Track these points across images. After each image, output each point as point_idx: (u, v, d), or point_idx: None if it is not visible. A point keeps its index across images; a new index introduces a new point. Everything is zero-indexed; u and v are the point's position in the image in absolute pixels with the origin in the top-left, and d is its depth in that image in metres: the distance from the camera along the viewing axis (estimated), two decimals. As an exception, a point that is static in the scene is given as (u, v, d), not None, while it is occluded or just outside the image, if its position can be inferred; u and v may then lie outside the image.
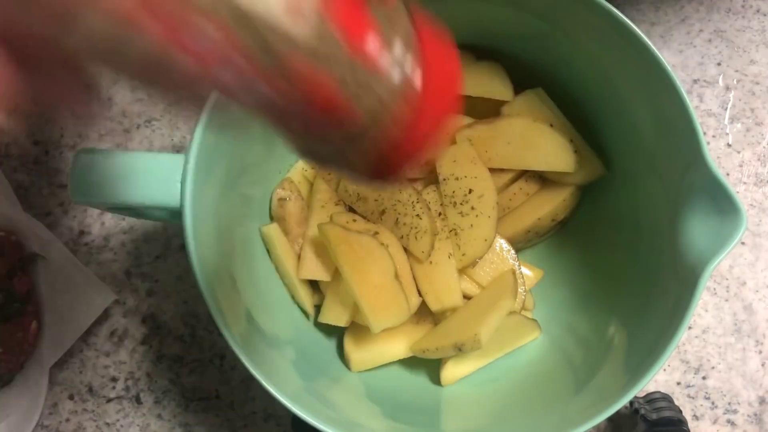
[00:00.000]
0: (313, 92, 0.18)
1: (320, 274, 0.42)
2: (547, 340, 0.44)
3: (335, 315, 0.42)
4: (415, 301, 0.42)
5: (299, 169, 0.45)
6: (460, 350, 0.40)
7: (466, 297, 0.43)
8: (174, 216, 0.35)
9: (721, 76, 0.50)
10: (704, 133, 0.42)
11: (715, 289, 0.47)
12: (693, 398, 0.46)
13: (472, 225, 0.42)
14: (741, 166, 0.49)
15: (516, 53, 0.43)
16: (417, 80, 0.19)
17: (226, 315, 0.35)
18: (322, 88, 0.18)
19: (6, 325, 0.45)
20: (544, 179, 0.44)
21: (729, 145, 0.49)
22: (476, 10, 0.39)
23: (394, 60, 0.19)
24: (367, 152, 0.20)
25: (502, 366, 0.43)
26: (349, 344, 0.43)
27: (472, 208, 0.42)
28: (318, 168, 0.21)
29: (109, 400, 0.47)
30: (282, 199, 0.44)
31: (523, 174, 0.44)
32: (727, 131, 0.49)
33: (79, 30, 0.16)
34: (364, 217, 0.43)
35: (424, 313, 0.43)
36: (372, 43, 0.18)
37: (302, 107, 0.19)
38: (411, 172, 0.22)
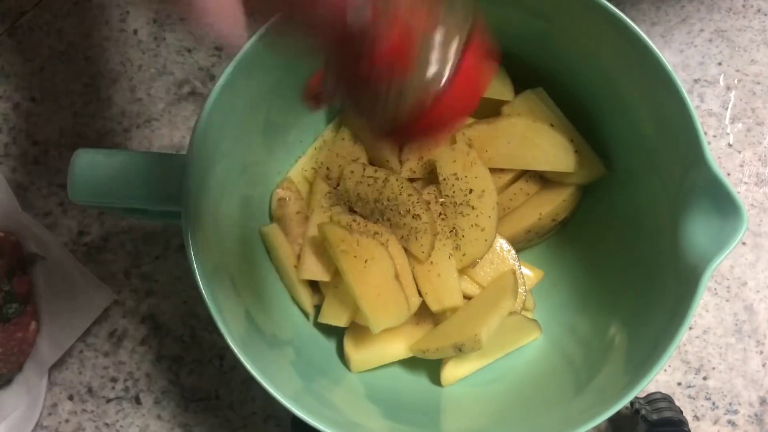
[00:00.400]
0: (399, 35, 0.21)
1: (320, 274, 0.42)
2: (547, 340, 0.44)
3: (335, 315, 0.42)
4: (415, 301, 0.42)
5: (299, 169, 0.45)
6: (460, 351, 0.40)
7: (466, 297, 0.43)
8: (174, 216, 0.35)
9: (722, 76, 0.49)
10: (705, 133, 0.42)
11: (715, 289, 0.47)
12: (694, 399, 0.46)
13: (472, 225, 0.42)
14: (742, 166, 0.49)
15: (516, 53, 0.42)
16: (454, 71, 0.22)
17: (226, 315, 0.35)
18: (405, 36, 0.22)
19: (6, 325, 0.44)
20: (544, 179, 0.44)
21: (730, 145, 0.49)
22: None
23: (446, 47, 0.22)
24: (398, 110, 0.23)
25: (503, 366, 0.43)
26: (349, 344, 0.43)
27: (473, 208, 0.42)
28: (347, 110, 0.26)
29: (109, 401, 0.47)
30: (282, 199, 0.44)
31: (523, 174, 0.44)
32: (728, 131, 0.49)
33: None
34: (364, 217, 0.43)
35: (424, 314, 0.43)
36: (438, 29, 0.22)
37: (380, 44, 0.22)
38: (421, 145, 0.27)
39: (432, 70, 0.22)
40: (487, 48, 0.24)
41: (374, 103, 0.23)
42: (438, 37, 0.22)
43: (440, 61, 0.22)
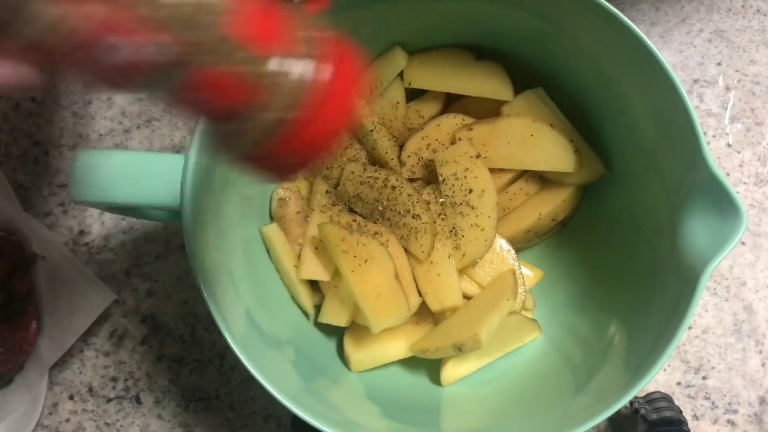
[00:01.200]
0: (212, 84, 0.21)
1: (320, 274, 0.42)
2: (547, 340, 0.44)
3: (335, 315, 0.42)
4: (415, 301, 0.42)
5: (299, 169, 0.45)
6: (460, 350, 0.40)
7: (466, 297, 0.43)
8: (174, 216, 0.35)
9: (721, 76, 0.50)
10: (704, 133, 0.42)
11: (715, 289, 0.47)
12: (693, 398, 0.46)
13: (472, 225, 0.42)
14: (741, 166, 0.49)
15: (516, 53, 0.43)
16: (316, 83, 0.22)
17: (226, 315, 0.35)
18: (223, 80, 0.21)
19: (6, 325, 0.45)
20: (544, 179, 0.44)
21: (729, 145, 0.49)
22: (476, 10, 0.39)
23: (295, 62, 0.21)
24: (262, 138, 0.22)
25: (502, 366, 0.43)
26: (349, 344, 0.43)
27: (472, 208, 0.42)
28: (217, 150, 0.25)
29: (109, 400, 0.47)
30: (282, 199, 0.44)
31: (523, 174, 0.44)
32: (728, 131, 0.49)
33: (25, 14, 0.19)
34: (363, 217, 0.43)
35: (424, 313, 0.43)
36: (275, 49, 0.21)
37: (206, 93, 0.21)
38: (300, 170, 0.25)
39: (296, 75, 0.22)
40: (352, 69, 0.24)
41: (224, 135, 0.23)
42: (284, 66, 0.21)
43: (299, 65, 0.22)
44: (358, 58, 0.24)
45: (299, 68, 0.21)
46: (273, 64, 0.21)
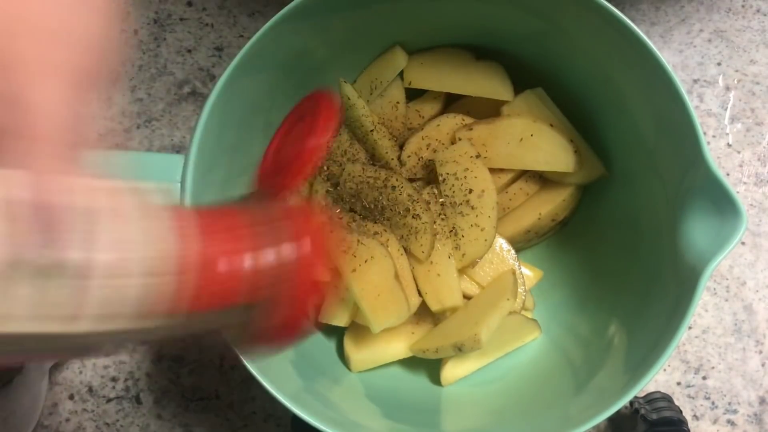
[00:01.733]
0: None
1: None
2: (547, 340, 0.44)
3: (335, 315, 0.42)
4: (415, 301, 0.42)
5: (299, 169, 0.45)
6: (460, 350, 0.40)
7: (466, 297, 0.43)
8: (174, 216, 0.35)
9: (721, 76, 0.50)
10: (704, 133, 0.42)
11: (715, 289, 0.47)
12: (693, 398, 0.46)
13: (472, 225, 0.42)
14: (741, 166, 0.49)
15: (516, 53, 0.42)
16: (294, 261, 0.25)
17: (226, 315, 0.35)
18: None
19: (6, 325, 0.44)
20: (544, 179, 0.44)
21: (729, 145, 0.49)
22: (476, 10, 0.39)
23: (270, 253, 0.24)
24: (270, 316, 0.26)
25: (502, 366, 0.43)
26: (349, 344, 0.43)
27: (472, 208, 0.42)
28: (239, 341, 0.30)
29: (109, 400, 0.47)
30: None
31: (523, 174, 0.44)
32: (727, 131, 0.49)
33: None
34: (363, 217, 0.43)
35: (424, 313, 0.43)
36: (229, 265, 0.24)
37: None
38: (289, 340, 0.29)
39: (272, 287, 0.25)
40: (317, 235, 0.27)
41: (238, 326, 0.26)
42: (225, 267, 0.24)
43: (275, 277, 0.24)
44: (317, 222, 0.28)
45: (275, 257, 0.24)
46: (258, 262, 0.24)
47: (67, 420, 0.46)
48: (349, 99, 0.42)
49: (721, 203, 0.32)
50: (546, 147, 0.42)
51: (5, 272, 0.18)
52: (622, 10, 0.34)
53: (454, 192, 0.42)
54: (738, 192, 0.48)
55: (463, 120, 0.44)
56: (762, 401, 0.46)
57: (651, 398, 0.44)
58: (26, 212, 0.19)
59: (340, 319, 0.42)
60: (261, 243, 0.24)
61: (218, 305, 0.24)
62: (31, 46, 0.21)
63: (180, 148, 0.49)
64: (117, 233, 0.21)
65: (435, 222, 0.42)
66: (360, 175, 0.43)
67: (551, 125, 0.42)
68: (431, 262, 0.42)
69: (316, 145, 0.27)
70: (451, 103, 0.45)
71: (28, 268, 0.19)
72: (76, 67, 0.22)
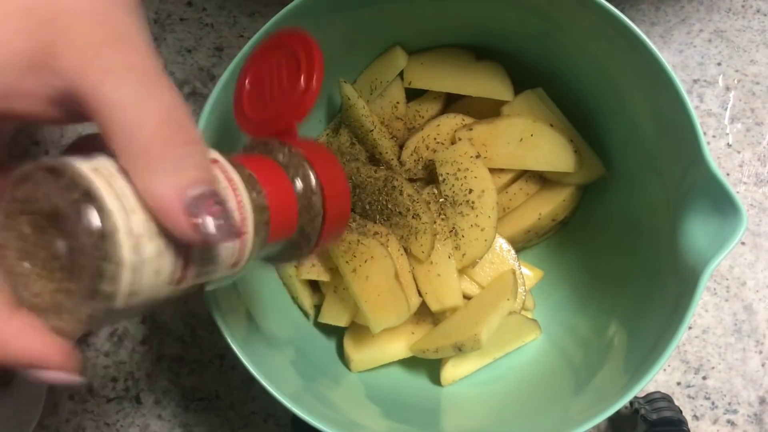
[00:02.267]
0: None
1: (320, 274, 0.42)
2: (547, 340, 0.44)
3: (335, 315, 0.42)
4: (415, 301, 0.42)
5: (299, 169, 0.45)
6: (460, 350, 0.40)
7: (466, 297, 0.43)
8: (174, 216, 0.35)
9: (721, 76, 0.50)
10: (704, 133, 0.42)
11: (715, 289, 0.47)
12: (693, 398, 0.46)
13: (472, 225, 0.42)
14: (741, 166, 0.49)
15: (516, 53, 0.42)
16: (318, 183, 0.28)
17: (226, 315, 0.35)
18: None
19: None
20: (544, 179, 0.44)
21: (729, 145, 0.49)
22: (476, 10, 0.39)
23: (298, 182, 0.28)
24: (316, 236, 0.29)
25: (502, 366, 0.43)
26: (349, 344, 0.43)
27: (472, 208, 0.42)
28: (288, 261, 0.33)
29: (109, 400, 0.47)
30: (282, 199, 0.44)
31: (523, 174, 0.44)
32: (728, 131, 0.49)
33: None
34: (363, 217, 0.43)
35: (424, 313, 0.43)
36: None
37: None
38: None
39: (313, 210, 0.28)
40: (328, 156, 0.29)
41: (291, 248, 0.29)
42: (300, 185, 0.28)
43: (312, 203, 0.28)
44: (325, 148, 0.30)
45: (303, 184, 0.28)
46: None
47: (67, 420, 0.46)
48: (349, 99, 0.42)
49: (721, 203, 0.32)
50: (546, 147, 0.42)
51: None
52: (622, 10, 0.34)
53: (454, 192, 0.42)
54: (738, 192, 0.48)
55: (463, 120, 0.44)
56: (762, 401, 0.46)
57: (651, 398, 0.44)
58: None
59: (340, 319, 0.42)
60: (291, 173, 0.27)
61: (283, 235, 0.27)
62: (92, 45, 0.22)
63: (180, 148, 0.49)
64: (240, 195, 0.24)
65: (435, 222, 0.42)
66: (360, 175, 0.43)
67: (551, 125, 0.42)
68: (431, 262, 0.42)
69: (313, 87, 0.28)
70: (451, 103, 0.45)
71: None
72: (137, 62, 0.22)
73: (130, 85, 0.21)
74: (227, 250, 0.24)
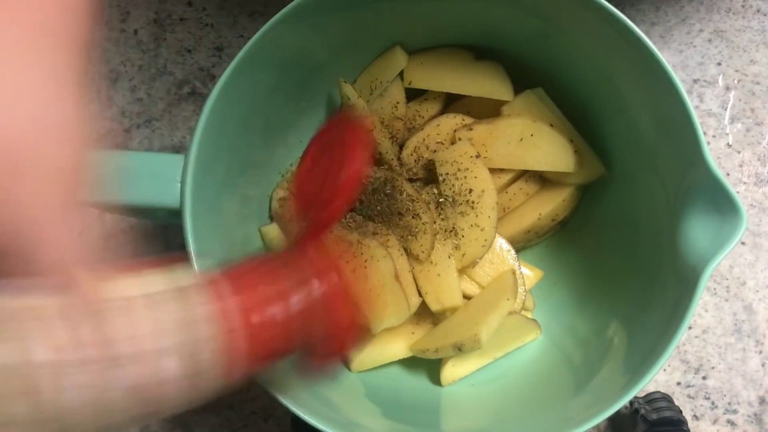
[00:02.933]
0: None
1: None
2: (547, 340, 0.44)
3: (335, 315, 0.42)
4: (415, 301, 0.42)
5: (299, 169, 0.45)
6: (460, 350, 0.40)
7: (466, 297, 0.43)
8: (174, 216, 0.35)
9: (721, 76, 0.50)
10: (704, 133, 0.42)
11: (715, 289, 0.47)
12: (693, 398, 0.46)
13: (472, 225, 0.42)
14: (741, 166, 0.49)
15: (516, 53, 0.43)
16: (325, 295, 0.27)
17: (226, 315, 0.34)
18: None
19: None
20: (544, 179, 0.44)
21: (729, 145, 0.49)
22: (476, 10, 0.39)
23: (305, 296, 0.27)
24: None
25: (502, 366, 0.43)
26: (349, 344, 0.43)
27: (472, 208, 0.42)
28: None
29: (109, 400, 0.47)
30: (282, 199, 0.44)
31: (523, 174, 0.44)
32: (727, 131, 0.49)
33: None
34: (363, 217, 0.43)
35: (424, 313, 0.43)
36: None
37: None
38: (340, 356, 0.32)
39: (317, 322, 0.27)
40: (338, 270, 0.28)
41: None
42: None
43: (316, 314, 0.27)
44: (337, 258, 0.30)
45: (309, 298, 0.27)
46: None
47: (67, 420, 0.46)
48: (349, 99, 0.42)
49: (721, 203, 0.32)
50: (546, 147, 0.42)
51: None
52: (622, 10, 0.34)
53: (454, 192, 0.42)
54: (738, 192, 0.48)
55: (463, 120, 0.44)
56: (762, 401, 0.46)
57: (651, 398, 0.44)
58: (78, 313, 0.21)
59: (340, 319, 0.42)
60: (287, 289, 0.26)
61: (266, 358, 0.27)
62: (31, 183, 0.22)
63: (180, 148, 0.49)
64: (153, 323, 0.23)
65: (435, 222, 0.42)
66: (360, 175, 0.43)
67: (551, 125, 0.42)
68: (431, 262, 0.42)
69: (352, 176, 0.28)
70: (451, 103, 0.45)
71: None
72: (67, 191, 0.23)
73: None
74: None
